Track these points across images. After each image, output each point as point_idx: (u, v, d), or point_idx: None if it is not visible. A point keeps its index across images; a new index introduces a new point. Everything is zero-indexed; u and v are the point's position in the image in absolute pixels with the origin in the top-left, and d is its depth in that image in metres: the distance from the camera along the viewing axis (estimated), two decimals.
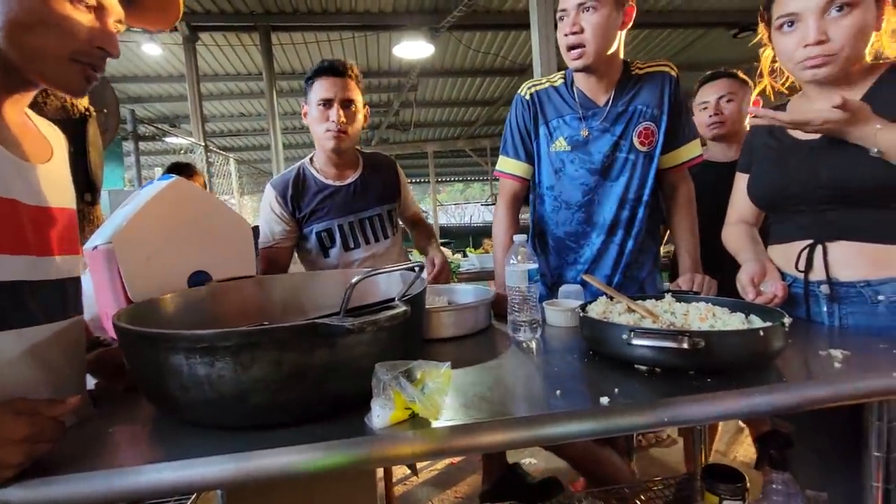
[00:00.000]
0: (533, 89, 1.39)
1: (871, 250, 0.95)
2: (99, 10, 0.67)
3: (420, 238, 1.79)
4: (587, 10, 1.18)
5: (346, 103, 1.46)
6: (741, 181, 1.18)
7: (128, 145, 5.32)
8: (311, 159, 1.58)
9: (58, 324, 0.70)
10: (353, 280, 0.60)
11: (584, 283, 1.27)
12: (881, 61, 0.99)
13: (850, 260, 0.97)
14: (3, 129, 0.67)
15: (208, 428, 0.65)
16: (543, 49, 2.88)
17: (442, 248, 1.79)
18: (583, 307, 0.96)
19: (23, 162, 0.68)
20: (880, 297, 0.94)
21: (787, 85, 1.10)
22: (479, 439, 0.63)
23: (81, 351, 0.78)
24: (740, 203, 1.19)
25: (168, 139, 6.99)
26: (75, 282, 0.76)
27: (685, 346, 0.68)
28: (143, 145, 7.99)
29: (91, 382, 0.86)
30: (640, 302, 0.99)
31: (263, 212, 1.54)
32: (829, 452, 1.00)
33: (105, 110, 1.86)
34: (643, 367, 0.78)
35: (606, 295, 1.03)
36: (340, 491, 0.97)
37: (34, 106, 0.77)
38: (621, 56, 1.31)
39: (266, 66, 5.50)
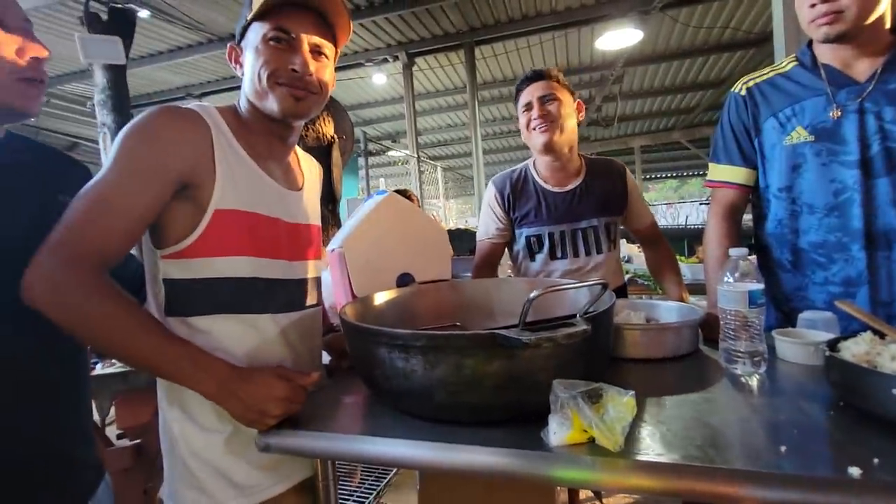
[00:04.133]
0: (751, 83, 1.19)
1: None
2: (295, 41, 0.81)
3: (656, 263, 1.60)
4: None
5: (546, 99, 1.42)
6: None
7: (361, 161, 6.45)
8: (534, 162, 1.55)
9: (298, 313, 0.89)
10: (532, 295, 0.60)
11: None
12: None
13: None
14: (273, 165, 0.89)
15: (405, 414, 0.74)
16: (788, 11, 2.34)
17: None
18: (832, 344, 0.75)
19: (284, 189, 0.89)
20: None
21: None
22: (670, 483, 0.55)
23: (318, 335, 0.98)
24: None
25: (390, 153, 8.23)
26: (317, 280, 0.97)
27: None
28: (371, 160, 9.59)
29: (327, 359, 1.08)
30: None
31: (483, 207, 1.59)
32: None
33: (344, 136, 2.30)
34: None
35: (873, 330, 0.78)
36: (521, 494, 0.98)
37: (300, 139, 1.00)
38: (888, 23, 1.01)
39: (469, 80, 5.91)
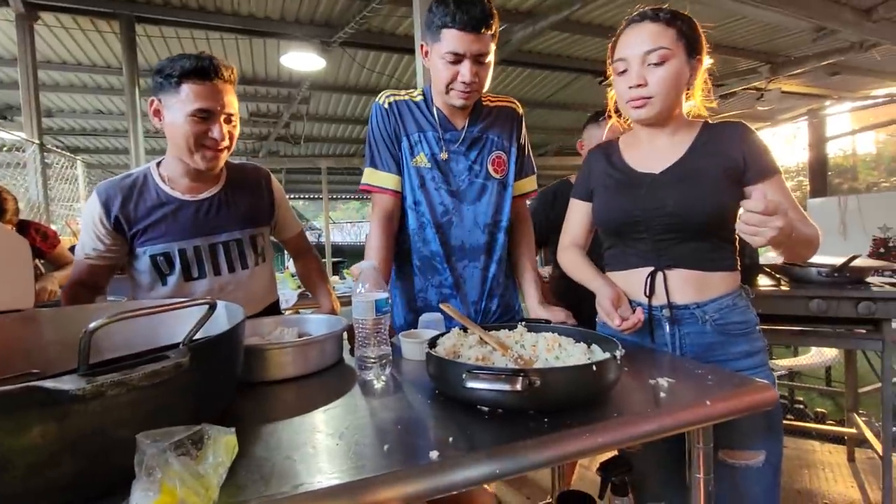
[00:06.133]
0: (392, 98, 1.33)
1: (696, 277, 1.06)
2: None
3: (306, 274, 1.53)
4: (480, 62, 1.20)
5: (230, 117, 1.18)
6: (577, 207, 1.25)
7: None
8: (157, 164, 1.25)
9: None
10: (92, 325, 0.46)
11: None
12: (697, 118, 1.14)
13: (682, 286, 1.07)
14: None
15: None
16: (426, 76, 2.92)
17: (333, 290, 1.51)
18: (432, 341, 0.90)
19: None
20: (707, 317, 1.05)
21: (629, 122, 1.19)
22: None
23: None
24: (575, 228, 1.26)
25: None
26: None
27: (518, 387, 0.64)
28: None
29: None
30: (493, 333, 0.96)
31: (84, 218, 1.20)
32: (666, 464, 1.06)
33: None
34: (485, 409, 0.73)
35: (461, 325, 0.98)
36: None
37: None
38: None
39: (127, 60, 4.83)
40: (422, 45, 1.26)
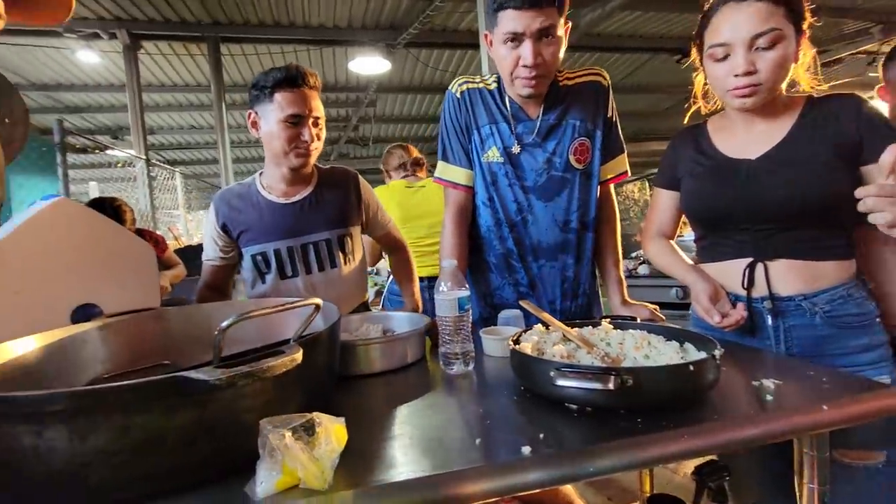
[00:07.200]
0: (465, 86, 1.28)
1: (804, 267, 0.98)
2: None
3: (397, 270, 1.60)
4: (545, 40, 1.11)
5: (317, 120, 1.28)
6: (661, 196, 1.18)
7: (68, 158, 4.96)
8: (261, 173, 1.38)
9: None
10: (224, 324, 0.51)
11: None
12: (796, 94, 1.03)
13: (786, 276, 0.99)
14: None
15: None
16: (492, 69, 2.89)
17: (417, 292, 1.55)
18: (517, 337, 0.90)
19: None
20: (816, 309, 0.96)
21: (718, 108, 1.11)
22: None
23: None
24: (662, 217, 1.19)
25: (110, 151, 6.61)
26: None
27: (611, 386, 0.63)
28: (79, 158, 7.51)
29: None
30: (577, 330, 0.94)
31: (205, 225, 1.39)
32: (770, 466, 0.99)
33: (7, 120, 1.69)
34: (574, 406, 0.72)
35: (542, 322, 0.98)
36: None
37: None
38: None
39: (214, 78, 5.31)
40: (486, 35, 1.18)
